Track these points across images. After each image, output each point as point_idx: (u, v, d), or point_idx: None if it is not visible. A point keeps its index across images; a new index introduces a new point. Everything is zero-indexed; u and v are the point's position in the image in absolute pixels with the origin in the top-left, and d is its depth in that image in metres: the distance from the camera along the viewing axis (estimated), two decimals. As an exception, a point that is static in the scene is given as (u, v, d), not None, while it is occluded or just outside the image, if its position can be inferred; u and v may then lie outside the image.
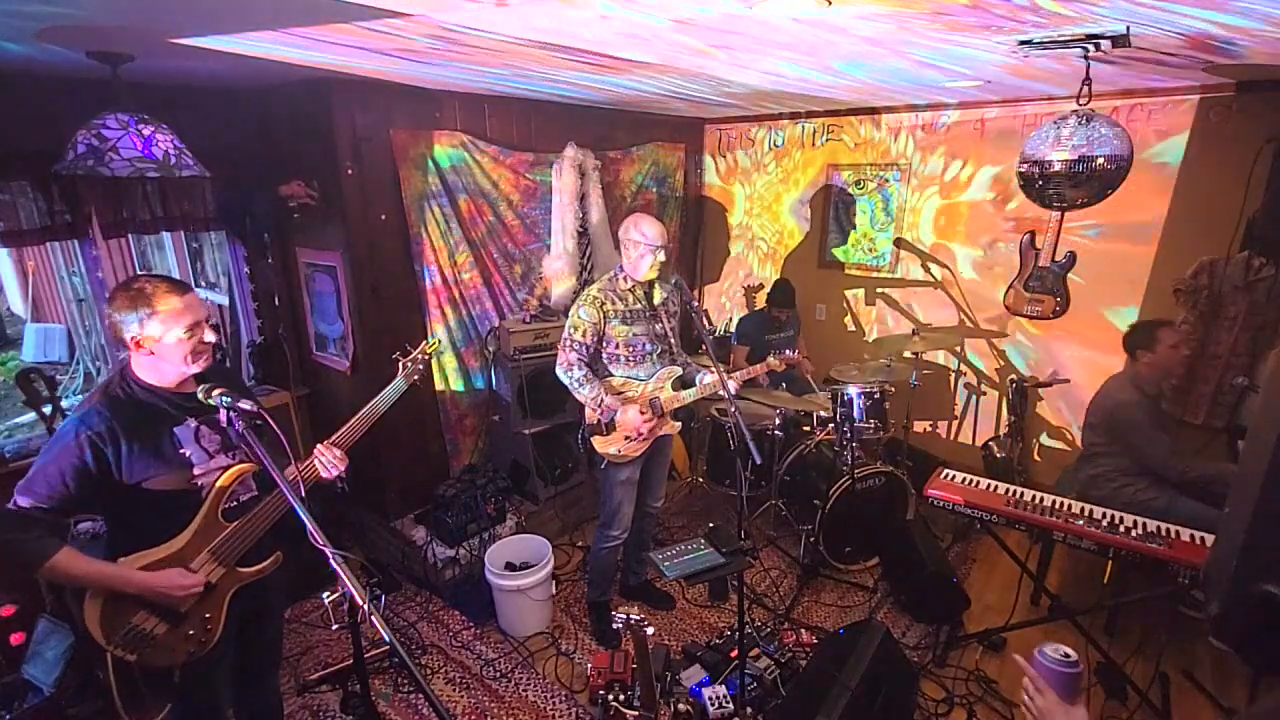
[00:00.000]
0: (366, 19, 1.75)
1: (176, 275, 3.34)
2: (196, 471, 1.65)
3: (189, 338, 1.58)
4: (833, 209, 4.48)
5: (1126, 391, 2.83)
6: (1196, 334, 3.27)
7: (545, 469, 3.78)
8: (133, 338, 1.55)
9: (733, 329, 4.56)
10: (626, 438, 2.66)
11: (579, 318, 2.61)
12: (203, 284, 4.02)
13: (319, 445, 1.79)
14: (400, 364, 2.14)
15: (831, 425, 3.39)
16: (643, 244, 2.55)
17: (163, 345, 1.57)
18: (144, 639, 1.59)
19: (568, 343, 2.63)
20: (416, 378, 2.15)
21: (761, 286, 4.95)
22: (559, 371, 2.66)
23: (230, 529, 1.68)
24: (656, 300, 2.69)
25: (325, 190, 3.11)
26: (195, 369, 1.63)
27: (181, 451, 1.63)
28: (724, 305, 5.26)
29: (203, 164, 2.40)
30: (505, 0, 1.58)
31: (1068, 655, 1.22)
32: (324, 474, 1.78)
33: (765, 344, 3.93)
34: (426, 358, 2.19)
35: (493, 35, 1.96)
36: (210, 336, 1.64)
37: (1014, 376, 3.88)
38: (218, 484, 1.66)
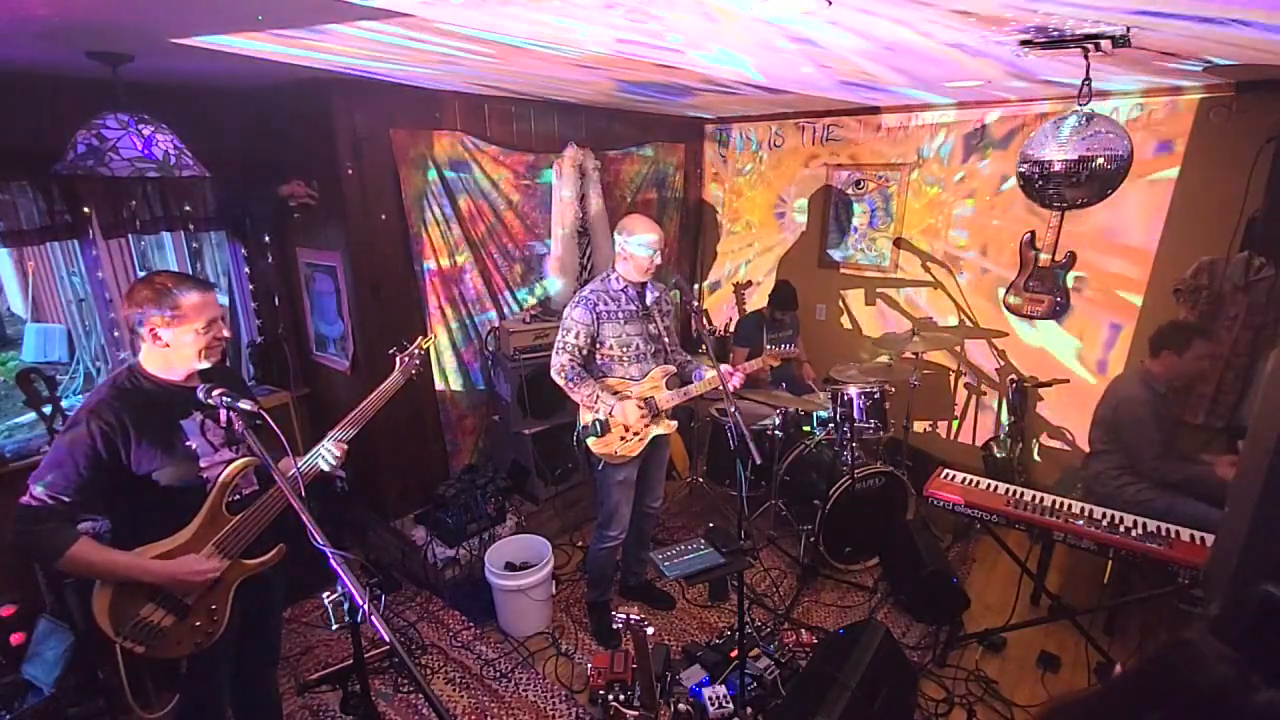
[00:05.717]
0: (370, 19, 1.75)
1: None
2: (202, 464, 1.67)
3: (205, 333, 1.62)
4: (832, 209, 4.48)
5: (1135, 387, 2.84)
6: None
7: (545, 469, 3.78)
8: (150, 329, 1.58)
9: (732, 329, 4.54)
10: (622, 438, 2.66)
11: (571, 319, 2.62)
12: (203, 284, 4.01)
13: (324, 441, 1.84)
14: (398, 359, 2.16)
15: (831, 425, 3.39)
16: (636, 245, 2.56)
17: (178, 340, 1.60)
18: (153, 631, 1.60)
19: (560, 345, 2.63)
20: (414, 373, 2.17)
21: (750, 284, 4.93)
22: (553, 374, 2.66)
23: (234, 522, 1.69)
24: (648, 300, 2.69)
25: (325, 190, 3.11)
26: (206, 364, 1.67)
27: (188, 444, 1.65)
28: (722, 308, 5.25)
29: (203, 164, 2.40)
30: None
31: None
32: (323, 465, 1.82)
33: (764, 345, 3.93)
34: (422, 352, 2.21)
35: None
36: (226, 332, 1.70)
37: (1014, 376, 3.88)
38: (221, 478, 1.68)
